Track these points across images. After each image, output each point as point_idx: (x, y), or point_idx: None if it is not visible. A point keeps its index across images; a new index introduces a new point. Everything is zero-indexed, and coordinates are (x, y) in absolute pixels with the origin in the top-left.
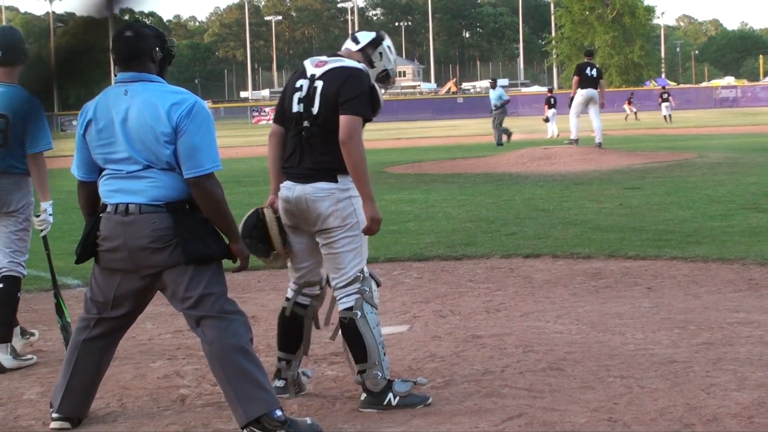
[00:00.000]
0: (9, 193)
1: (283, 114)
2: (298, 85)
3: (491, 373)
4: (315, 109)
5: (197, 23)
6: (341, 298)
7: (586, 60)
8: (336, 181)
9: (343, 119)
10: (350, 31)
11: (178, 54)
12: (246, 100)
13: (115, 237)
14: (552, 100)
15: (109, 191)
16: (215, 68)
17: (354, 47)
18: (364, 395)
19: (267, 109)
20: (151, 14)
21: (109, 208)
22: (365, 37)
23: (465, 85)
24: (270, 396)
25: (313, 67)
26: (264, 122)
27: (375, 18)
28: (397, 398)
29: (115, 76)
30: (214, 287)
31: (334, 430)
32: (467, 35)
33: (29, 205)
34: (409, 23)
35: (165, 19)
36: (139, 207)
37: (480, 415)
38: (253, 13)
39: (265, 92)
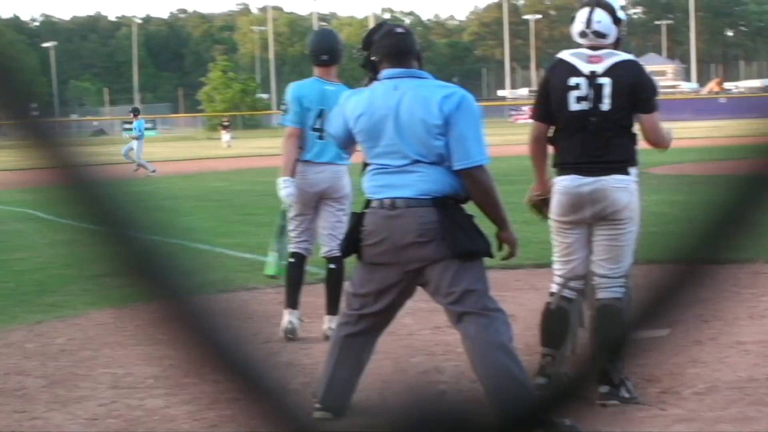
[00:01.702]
0: (339, 179)
1: (549, 112)
2: (572, 83)
3: (756, 380)
4: (606, 106)
5: (456, 22)
6: (611, 287)
7: None
8: (629, 174)
9: (648, 119)
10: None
11: (438, 52)
12: (503, 98)
13: (380, 232)
14: None
15: (375, 186)
16: (473, 67)
17: (605, 41)
18: (604, 387)
19: (525, 108)
20: (411, 13)
21: (374, 203)
22: (608, 27)
23: (727, 85)
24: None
25: (587, 63)
26: (521, 121)
27: (635, 16)
28: (629, 394)
29: (380, 72)
30: (477, 284)
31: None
32: (730, 34)
33: (350, 193)
34: (670, 22)
35: (424, 18)
36: (406, 201)
37: (744, 423)
38: (512, 11)
39: (523, 91)
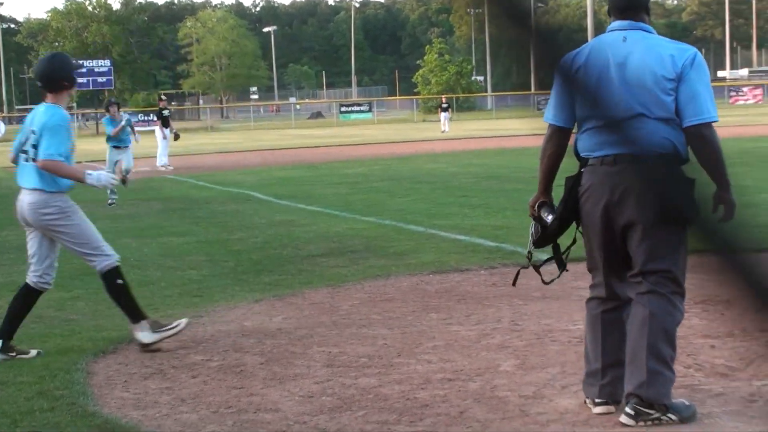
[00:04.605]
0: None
1: None
2: None
3: None
4: None
5: (675, 2)
6: None
7: None
8: None
9: None
10: None
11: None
12: (723, 79)
13: (599, 187)
14: None
15: (594, 144)
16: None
17: None
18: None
19: (745, 89)
20: None
21: (593, 161)
22: None
23: None
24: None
25: None
26: (741, 102)
27: None
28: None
29: (609, 24)
30: (675, 261)
31: None
32: None
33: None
34: None
35: None
36: (628, 157)
37: None
38: None
39: (744, 71)
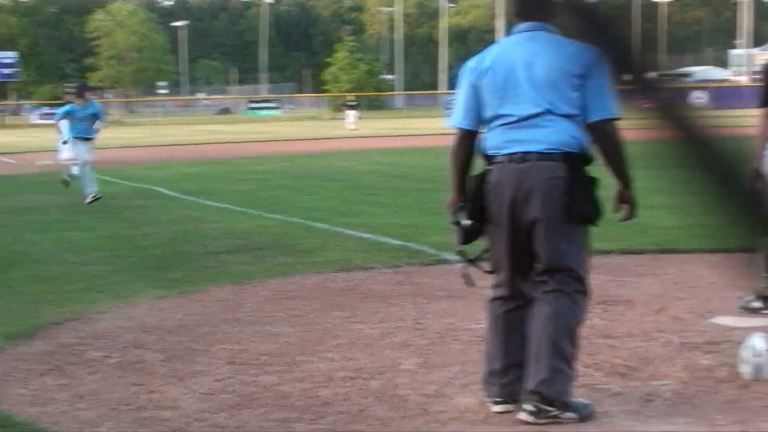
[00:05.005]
0: None
1: None
2: None
3: None
4: None
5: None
6: None
7: None
8: None
9: None
10: (746, 16)
11: None
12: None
13: (506, 184)
14: None
15: (502, 142)
16: None
17: None
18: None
19: None
20: None
21: (500, 158)
22: None
23: None
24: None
25: None
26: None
27: None
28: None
29: (513, 26)
30: (579, 261)
31: (706, 420)
32: None
33: None
34: None
35: None
36: (536, 155)
37: None
38: None
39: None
